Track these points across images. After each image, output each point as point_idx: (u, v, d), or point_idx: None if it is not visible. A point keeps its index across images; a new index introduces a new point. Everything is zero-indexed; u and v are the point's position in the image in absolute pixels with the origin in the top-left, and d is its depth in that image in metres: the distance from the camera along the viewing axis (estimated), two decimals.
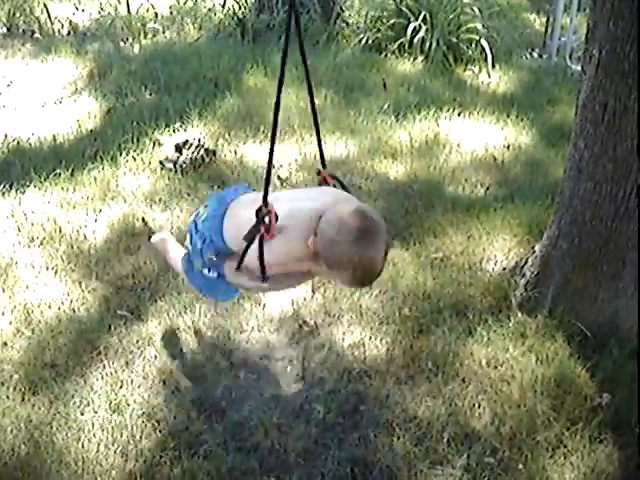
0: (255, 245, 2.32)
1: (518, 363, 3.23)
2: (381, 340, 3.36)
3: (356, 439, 2.91)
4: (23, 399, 3.03)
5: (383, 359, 3.26)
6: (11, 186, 4.45)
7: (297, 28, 2.32)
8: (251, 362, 3.26)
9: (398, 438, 2.90)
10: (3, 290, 3.62)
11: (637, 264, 3.24)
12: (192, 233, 2.68)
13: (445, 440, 2.90)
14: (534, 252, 3.68)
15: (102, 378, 3.14)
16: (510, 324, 3.44)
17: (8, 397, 3.03)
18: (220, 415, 2.99)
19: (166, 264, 3.38)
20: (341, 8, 7.49)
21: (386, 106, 5.62)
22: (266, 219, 2.28)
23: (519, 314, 3.49)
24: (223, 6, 7.66)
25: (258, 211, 2.29)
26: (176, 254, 3.08)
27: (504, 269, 3.81)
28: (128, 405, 3.00)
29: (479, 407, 3.03)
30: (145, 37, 7.23)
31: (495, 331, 3.39)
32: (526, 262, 3.71)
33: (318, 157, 2.75)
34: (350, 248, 2.21)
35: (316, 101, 5.56)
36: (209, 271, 2.64)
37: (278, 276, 2.47)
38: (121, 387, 3.09)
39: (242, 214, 2.42)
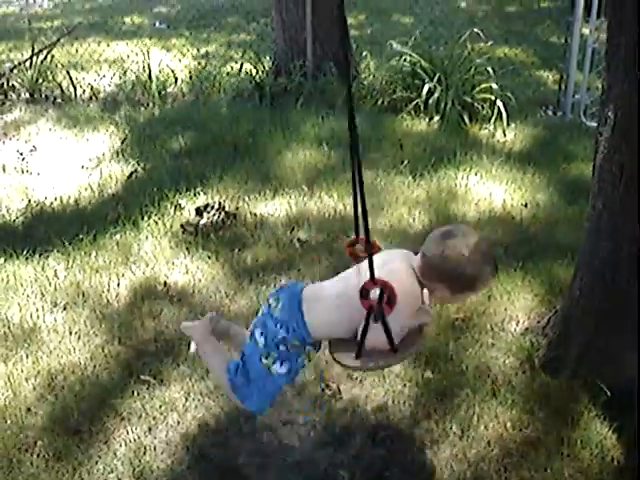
0: (375, 324, 2.36)
1: (543, 425, 3.20)
2: (404, 403, 3.35)
3: None
4: (47, 465, 3.03)
5: (407, 423, 3.25)
6: (35, 251, 4.51)
7: (348, 96, 2.30)
8: (274, 427, 3.24)
9: None
10: (27, 355, 3.65)
11: None
12: (267, 325, 2.62)
13: None
14: (556, 312, 3.68)
15: (125, 444, 3.14)
16: (534, 385, 3.42)
17: (32, 464, 3.04)
18: None
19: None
20: (357, 70, 7.62)
21: (403, 166, 5.68)
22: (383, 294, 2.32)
23: (543, 375, 3.47)
24: (240, 71, 7.81)
25: (366, 290, 2.32)
26: (219, 360, 2.88)
27: (526, 329, 3.80)
28: (152, 472, 3.00)
29: (505, 471, 3.00)
30: (165, 102, 7.37)
31: (519, 393, 3.37)
32: (548, 322, 3.70)
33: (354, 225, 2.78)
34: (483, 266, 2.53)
35: (332, 161, 5.67)
36: (280, 365, 2.61)
37: (400, 343, 2.50)
38: (144, 453, 3.09)
39: (328, 303, 2.58)
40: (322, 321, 2.59)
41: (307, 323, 2.56)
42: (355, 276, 2.59)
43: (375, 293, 2.32)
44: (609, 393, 3.27)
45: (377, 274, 2.33)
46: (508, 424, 3.20)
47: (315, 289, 2.69)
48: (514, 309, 3.95)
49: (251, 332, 2.70)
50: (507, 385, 3.42)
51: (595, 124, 3.38)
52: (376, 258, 2.40)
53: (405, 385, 3.45)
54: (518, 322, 3.87)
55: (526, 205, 5.18)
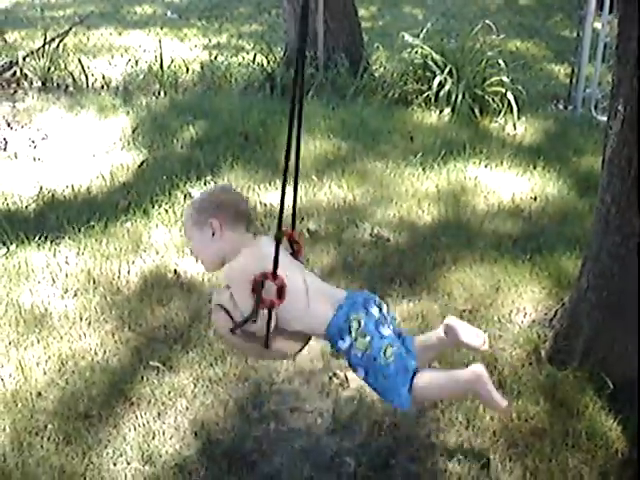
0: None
1: (549, 416, 3.22)
2: None
3: None
4: (57, 449, 3.07)
5: (414, 412, 3.27)
6: (46, 238, 4.55)
7: (297, 78, 2.28)
8: (282, 414, 3.28)
9: None
10: (38, 341, 3.69)
11: None
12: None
13: None
14: (563, 304, 3.69)
15: (135, 429, 3.17)
16: (540, 377, 3.44)
17: (42, 447, 3.08)
18: (251, 468, 3.00)
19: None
20: (368, 62, 7.62)
21: (413, 158, 5.69)
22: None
23: (549, 367, 3.49)
24: (253, 61, 7.83)
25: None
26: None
27: (533, 321, 3.82)
28: (160, 456, 3.03)
29: (510, 461, 3.02)
30: (177, 92, 7.39)
31: (525, 384, 3.39)
32: (555, 314, 3.72)
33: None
34: None
35: (343, 152, 5.68)
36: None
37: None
38: (153, 438, 3.12)
39: None
40: None
41: None
42: None
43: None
44: (614, 386, 3.29)
45: None
46: (514, 414, 3.22)
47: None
48: (521, 301, 3.97)
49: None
50: (513, 376, 3.44)
51: (606, 118, 3.38)
52: None
53: None
54: (525, 314, 3.89)
55: (535, 198, 5.19)
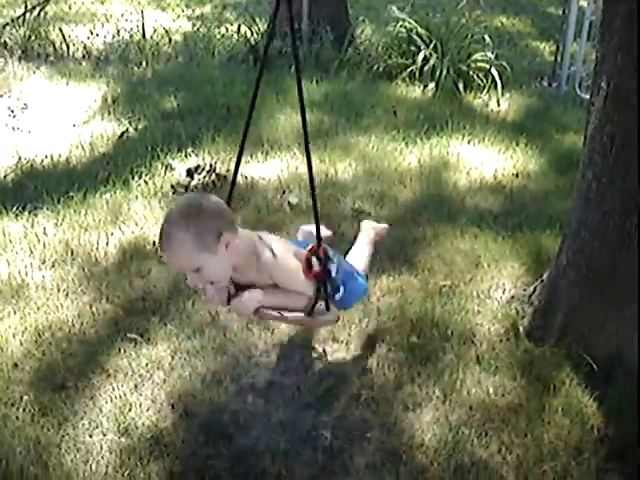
0: None
1: (525, 392, 3.24)
2: (389, 367, 3.37)
3: (363, 466, 2.92)
4: (32, 420, 3.05)
5: (391, 386, 3.27)
6: (24, 208, 4.50)
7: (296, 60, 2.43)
8: (259, 387, 3.27)
9: (405, 465, 2.90)
10: (14, 311, 3.66)
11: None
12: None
13: (452, 468, 2.90)
14: (542, 281, 3.70)
15: (111, 401, 3.16)
16: (518, 353, 3.45)
17: (18, 418, 3.05)
18: (227, 440, 3.00)
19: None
20: (352, 36, 7.57)
21: (396, 133, 5.67)
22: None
23: (527, 343, 3.50)
24: (238, 32, 7.75)
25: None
26: None
27: (512, 297, 3.83)
28: (137, 428, 3.02)
29: (486, 435, 3.04)
30: (158, 62, 7.31)
31: (503, 359, 3.40)
32: (534, 291, 3.72)
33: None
34: None
35: (326, 126, 5.65)
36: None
37: None
38: (130, 410, 3.11)
39: None
40: None
41: None
42: None
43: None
44: (592, 362, 3.30)
45: None
46: (490, 390, 3.24)
47: None
48: (501, 277, 3.97)
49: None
50: (491, 352, 3.45)
51: (589, 96, 3.38)
52: None
53: (390, 349, 3.47)
54: (504, 290, 3.89)
55: (517, 175, 5.19)
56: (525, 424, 3.08)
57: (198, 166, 4.89)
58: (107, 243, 4.21)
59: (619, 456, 2.96)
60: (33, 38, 7.64)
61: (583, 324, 3.43)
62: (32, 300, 3.74)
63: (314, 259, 2.57)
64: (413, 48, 6.94)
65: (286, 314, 2.58)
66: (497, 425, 3.08)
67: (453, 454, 2.95)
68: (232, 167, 4.93)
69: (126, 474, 2.83)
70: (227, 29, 8.08)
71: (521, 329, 3.58)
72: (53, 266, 4.01)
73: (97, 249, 4.16)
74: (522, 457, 2.95)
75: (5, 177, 5.01)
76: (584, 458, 2.94)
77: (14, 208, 4.48)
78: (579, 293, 3.42)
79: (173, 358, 3.40)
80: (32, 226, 4.34)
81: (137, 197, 4.68)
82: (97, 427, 3.03)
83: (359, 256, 3.30)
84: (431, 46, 6.78)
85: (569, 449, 2.99)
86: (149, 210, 4.54)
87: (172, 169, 5.02)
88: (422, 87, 6.67)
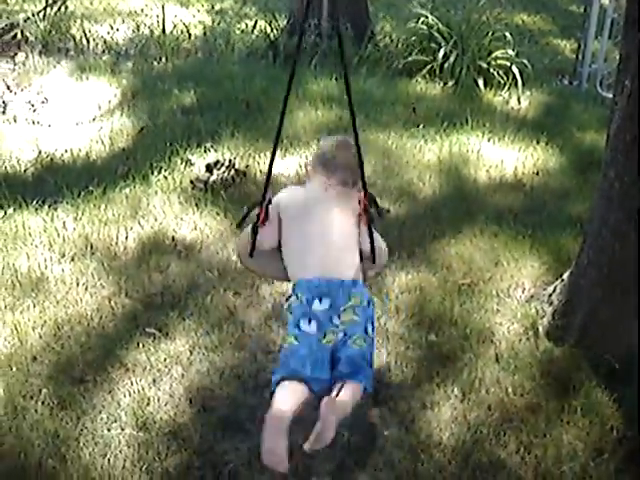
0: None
1: (544, 392, 3.22)
2: (407, 365, 3.36)
3: (381, 463, 2.91)
4: (51, 413, 3.06)
5: (409, 384, 3.27)
6: (44, 202, 4.52)
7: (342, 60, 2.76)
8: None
9: (422, 464, 2.90)
10: (34, 305, 3.67)
11: None
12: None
13: (469, 468, 2.89)
14: (562, 280, 3.67)
15: (129, 395, 3.17)
16: (537, 352, 3.43)
17: (36, 411, 3.07)
18: (245, 435, 3.00)
19: None
20: (372, 32, 7.54)
21: (415, 129, 5.65)
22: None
23: (546, 342, 3.49)
24: (254, 28, 7.74)
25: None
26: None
27: (532, 297, 3.80)
28: (155, 423, 3.03)
29: (504, 435, 3.02)
30: (178, 57, 7.32)
31: (522, 359, 3.38)
32: (554, 290, 3.70)
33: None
34: None
35: (343, 122, 5.63)
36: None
37: None
38: (148, 404, 3.12)
39: None
40: None
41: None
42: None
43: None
44: (612, 363, 3.28)
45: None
46: (509, 389, 3.22)
47: None
48: (520, 276, 3.95)
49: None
50: (510, 351, 3.44)
51: (611, 95, 3.34)
52: None
53: (409, 347, 3.46)
54: (524, 289, 3.87)
55: (538, 173, 5.16)
56: (544, 424, 3.07)
57: (217, 161, 4.89)
58: (126, 238, 4.22)
59: (638, 457, 2.94)
60: (54, 33, 7.66)
61: (603, 324, 3.40)
62: (51, 294, 3.76)
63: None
64: (433, 45, 6.91)
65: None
66: (516, 425, 3.07)
67: (471, 453, 2.95)
68: (251, 163, 4.98)
69: (144, 468, 2.84)
70: (247, 25, 8.08)
71: (540, 329, 3.56)
72: (72, 260, 4.03)
73: (116, 244, 4.17)
74: (540, 457, 2.93)
75: (25, 171, 5.03)
76: (603, 459, 2.93)
77: (34, 202, 4.50)
78: (600, 293, 3.39)
79: (191, 353, 3.40)
80: (52, 220, 4.35)
81: (156, 192, 4.68)
82: (115, 421, 3.04)
83: None
84: (451, 43, 6.75)
85: (588, 450, 2.97)
86: (168, 205, 4.54)
87: (191, 164, 5.02)
88: (442, 84, 6.64)
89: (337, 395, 2.54)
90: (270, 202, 2.85)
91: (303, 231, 2.79)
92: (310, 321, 2.61)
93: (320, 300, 2.62)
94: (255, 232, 2.81)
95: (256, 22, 7.79)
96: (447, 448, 2.97)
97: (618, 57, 3.22)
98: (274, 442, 2.41)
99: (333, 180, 2.92)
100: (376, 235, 2.85)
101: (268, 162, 2.81)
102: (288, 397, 2.53)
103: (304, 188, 3.04)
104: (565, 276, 3.67)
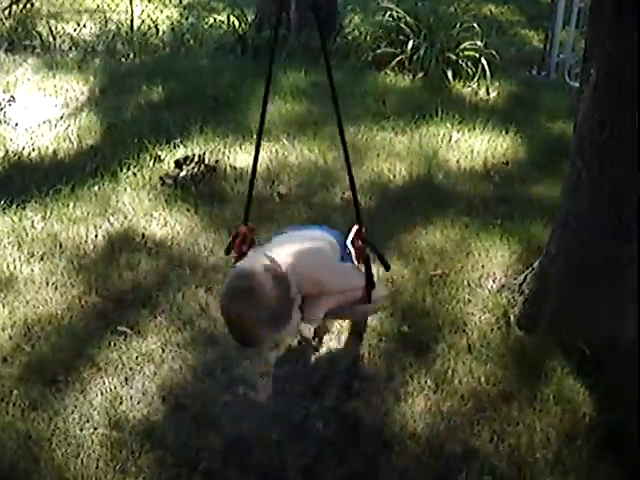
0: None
1: (517, 381, 3.24)
2: (380, 357, 3.37)
3: (355, 456, 2.91)
4: (23, 414, 3.03)
5: (382, 376, 3.27)
6: (12, 201, 4.46)
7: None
8: (251, 379, 3.25)
9: (397, 455, 2.91)
10: (3, 305, 3.63)
11: (636, 282, 3.25)
12: None
13: (444, 457, 2.90)
14: (532, 269, 3.69)
15: (102, 394, 3.14)
16: (509, 341, 3.45)
17: (8, 412, 3.04)
18: (219, 432, 2.98)
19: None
20: (341, 25, 7.53)
21: (385, 122, 5.65)
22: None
23: (518, 331, 3.51)
24: (223, 23, 7.70)
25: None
26: None
27: (503, 286, 3.82)
28: (127, 421, 3.01)
29: (478, 424, 3.04)
30: (146, 53, 7.26)
31: (494, 348, 3.40)
32: (525, 279, 3.72)
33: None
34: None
35: (314, 116, 5.62)
36: None
37: None
38: (121, 403, 3.10)
39: None
40: None
41: None
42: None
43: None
44: (583, 350, 3.31)
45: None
46: (482, 379, 3.24)
47: None
48: (491, 266, 3.97)
49: None
50: (482, 341, 3.45)
51: (578, 84, 3.37)
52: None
53: (381, 339, 3.47)
54: (495, 279, 3.89)
55: (507, 163, 5.19)
56: (517, 413, 3.09)
57: (187, 157, 4.86)
58: (96, 236, 4.19)
59: (611, 444, 2.97)
60: (20, 30, 7.55)
61: (573, 312, 3.43)
62: (21, 294, 3.71)
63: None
64: (402, 37, 6.91)
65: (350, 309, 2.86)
66: (489, 414, 3.08)
67: (445, 443, 2.96)
68: (221, 157, 4.96)
69: (117, 467, 2.82)
70: (215, 19, 8.03)
71: (512, 318, 3.58)
72: (42, 259, 3.98)
73: (86, 242, 4.13)
74: (514, 445, 2.95)
75: None
76: (576, 446, 2.95)
77: (1, 202, 4.44)
78: (570, 281, 3.42)
79: (163, 351, 3.38)
80: (20, 220, 4.30)
81: (125, 189, 4.64)
82: (88, 421, 3.01)
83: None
84: (420, 35, 6.76)
85: (561, 437, 2.99)
86: (138, 202, 4.51)
87: (160, 160, 4.99)
88: (411, 76, 6.65)
89: None
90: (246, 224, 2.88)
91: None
92: None
93: None
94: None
95: (228, 17, 7.73)
96: (421, 439, 2.98)
97: (584, 45, 3.24)
98: None
99: None
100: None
101: (249, 180, 2.94)
102: None
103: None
104: (535, 265, 3.69)
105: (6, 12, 7.69)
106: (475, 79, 6.62)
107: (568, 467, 2.87)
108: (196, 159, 4.83)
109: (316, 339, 3.42)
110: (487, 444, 2.96)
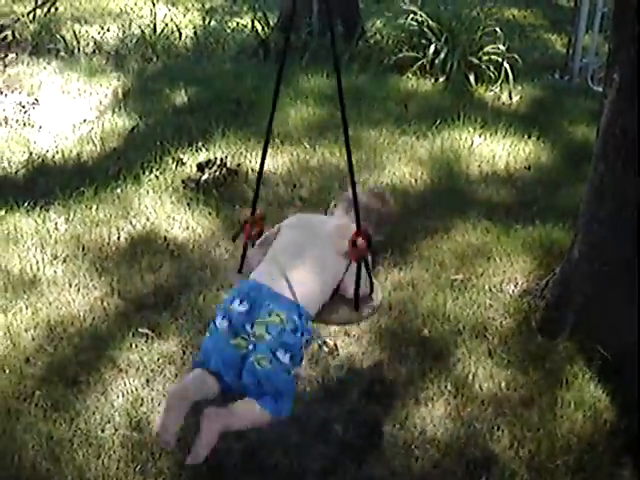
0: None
1: (537, 386, 3.23)
2: (400, 361, 3.37)
3: (374, 460, 2.91)
4: (45, 415, 3.06)
5: (402, 380, 3.27)
6: (35, 203, 4.51)
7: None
8: None
9: (416, 460, 2.90)
10: (26, 307, 3.67)
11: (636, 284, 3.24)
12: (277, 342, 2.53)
13: (463, 463, 2.89)
14: (554, 274, 3.68)
15: (123, 395, 3.16)
16: (530, 347, 3.43)
17: (30, 413, 3.07)
18: (239, 435, 2.99)
19: None
20: (363, 29, 7.53)
21: (407, 126, 5.65)
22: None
23: (539, 337, 3.49)
24: (245, 27, 7.73)
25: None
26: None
27: (524, 291, 3.81)
28: (148, 423, 3.03)
29: (498, 430, 3.03)
30: (169, 57, 7.30)
31: (515, 354, 3.39)
32: (547, 284, 3.70)
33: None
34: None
35: (335, 119, 5.60)
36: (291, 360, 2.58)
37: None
38: (142, 405, 3.12)
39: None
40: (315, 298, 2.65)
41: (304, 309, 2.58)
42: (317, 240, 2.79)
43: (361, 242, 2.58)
44: (604, 357, 3.28)
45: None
46: (503, 384, 3.23)
47: (280, 276, 2.62)
48: (513, 271, 3.96)
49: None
50: (503, 346, 3.44)
51: (602, 89, 3.35)
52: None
53: (402, 344, 3.46)
54: (517, 284, 3.88)
55: (529, 168, 5.17)
56: (537, 418, 3.08)
57: (209, 160, 4.88)
58: (118, 238, 4.22)
59: (632, 450, 2.95)
60: (44, 34, 7.62)
61: (596, 318, 3.41)
62: (44, 295, 3.75)
63: (359, 240, 2.60)
64: (424, 41, 6.90)
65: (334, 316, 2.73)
66: (509, 419, 3.07)
67: (465, 449, 2.95)
68: (243, 161, 4.98)
69: (138, 469, 2.84)
70: (237, 23, 8.06)
71: (533, 323, 3.57)
72: (64, 261, 4.02)
73: (108, 244, 4.16)
74: (534, 452, 2.94)
75: (16, 173, 5.02)
76: (597, 452, 2.93)
77: (26, 204, 4.49)
78: (592, 287, 3.40)
79: (184, 353, 3.40)
80: (43, 221, 4.34)
81: (148, 192, 4.67)
82: (109, 422, 3.04)
83: None
84: (442, 39, 6.74)
85: (582, 443, 2.98)
86: (160, 205, 4.53)
87: (183, 164, 5.01)
88: (433, 80, 6.64)
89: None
90: (254, 213, 2.93)
91: (285, 243, 2.81)
92: (223, 318, 2.58)
93: (240, 302, 2.56)
94: (245, 249, 2.86)
95: (253, 21, 7.76)
96: (441, 444, 2.97)
97: (608, 50, 3.22)
98: (167, 418, 2.49)
99: (347, 217, 2.84)
100: (364, 279, 2.66)
101: (257, 170, 2.89)
102: (192, 381, 2.60)
103: (318, 214, 3.09)
104: (557, 270, 3.68)
105: (30, 16, 7.75)
106: (497, 83, 6.59)
107: (589, 473, 2.86)
108: (218, 162, 4.85)
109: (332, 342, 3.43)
110: (507, 450, 2.95)
